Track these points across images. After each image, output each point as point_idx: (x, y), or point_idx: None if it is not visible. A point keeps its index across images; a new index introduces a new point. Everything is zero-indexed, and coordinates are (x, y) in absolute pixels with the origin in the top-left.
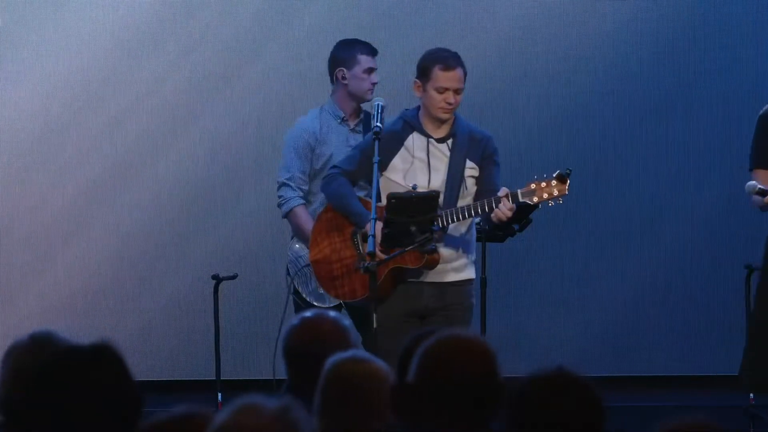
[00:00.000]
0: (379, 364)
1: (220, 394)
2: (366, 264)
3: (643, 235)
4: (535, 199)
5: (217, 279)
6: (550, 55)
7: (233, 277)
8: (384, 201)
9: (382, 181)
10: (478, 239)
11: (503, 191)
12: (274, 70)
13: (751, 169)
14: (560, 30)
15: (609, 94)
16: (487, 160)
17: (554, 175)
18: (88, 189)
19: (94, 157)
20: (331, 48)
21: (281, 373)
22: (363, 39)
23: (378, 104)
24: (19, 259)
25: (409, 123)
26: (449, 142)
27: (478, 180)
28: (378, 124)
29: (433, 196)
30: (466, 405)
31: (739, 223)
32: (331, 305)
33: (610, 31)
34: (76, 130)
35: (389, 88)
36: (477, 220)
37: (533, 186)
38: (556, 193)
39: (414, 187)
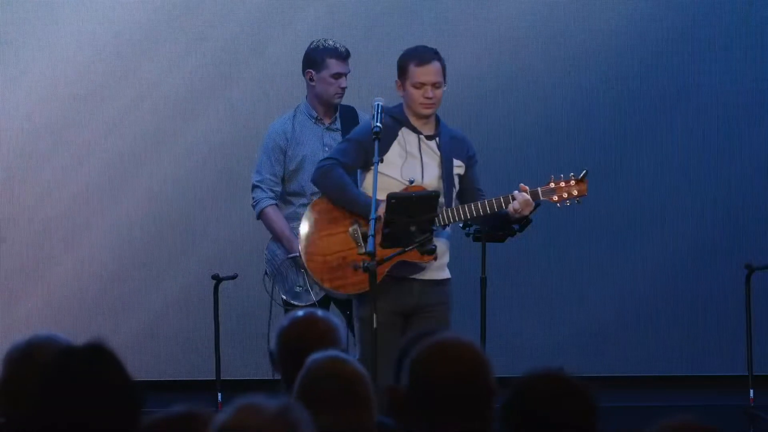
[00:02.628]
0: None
1: (220, 394)
2: (366, 264)
3: (642, 235)
4: (555, 198)
5: (217, 279)
6: (550, 54)
7: (233, 277)
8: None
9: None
10: (477, 239)
11: (522, 187)
12: (274, 70)
13: None
14: (560, 30)
15: (609, 94)
16: (471, 159)
17: (572, 175)
18: (88, 189)
19: (94, 157)
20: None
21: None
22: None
23: (378, 104)
24: (18, 260)
25: (396, 118)
26: (437, 140)
27: (463, 178)
28: (378, 124)
29: (433, 196)
30: (456, 411)
31: (740, 223)
32: (308, 303)
33: (611, 31)
34: (76, 130)
35: (388, 88)
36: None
37: (552, 185)
38: (575, 193)
39: (411, 181)
